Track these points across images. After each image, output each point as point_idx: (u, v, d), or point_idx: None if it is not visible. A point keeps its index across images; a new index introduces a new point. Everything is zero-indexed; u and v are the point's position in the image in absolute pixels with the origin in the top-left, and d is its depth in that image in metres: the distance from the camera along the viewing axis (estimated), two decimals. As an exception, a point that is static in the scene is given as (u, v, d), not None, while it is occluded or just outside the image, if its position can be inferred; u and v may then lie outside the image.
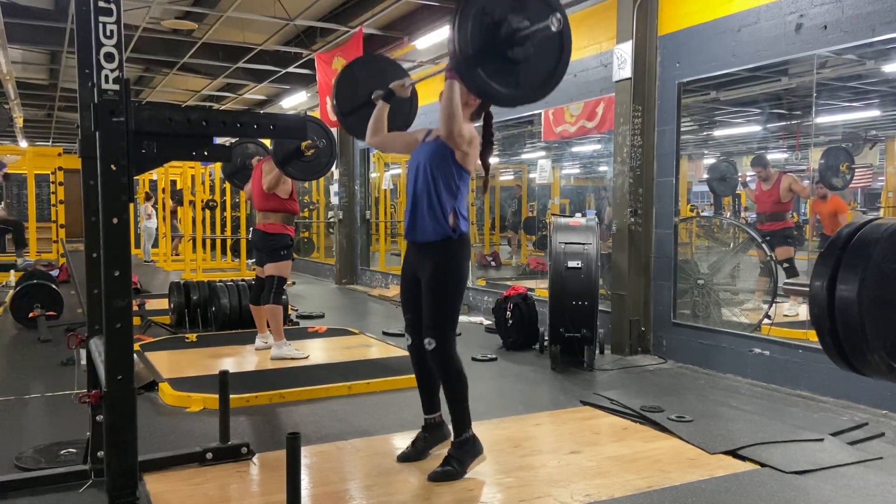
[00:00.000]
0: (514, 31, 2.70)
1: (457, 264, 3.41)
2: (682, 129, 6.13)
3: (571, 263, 5.79)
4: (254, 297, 6.14)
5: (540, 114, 7.75)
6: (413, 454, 3.59)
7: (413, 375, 5.17)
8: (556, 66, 2.90)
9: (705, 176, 9.16)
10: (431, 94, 10.64)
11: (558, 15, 2.65)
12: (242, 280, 7.53)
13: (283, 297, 6.07)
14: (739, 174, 8.47)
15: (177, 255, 15.31)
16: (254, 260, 7.15)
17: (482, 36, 2.69)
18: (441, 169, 3.33)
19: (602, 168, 9.51)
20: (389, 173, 12.15)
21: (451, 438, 3.48)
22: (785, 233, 7.16)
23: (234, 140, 6.76)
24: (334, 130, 6.64)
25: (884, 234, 1.68)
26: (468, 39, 2.66)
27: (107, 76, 2.30)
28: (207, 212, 13.83)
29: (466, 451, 3.42)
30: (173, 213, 15.38)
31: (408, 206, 3.45)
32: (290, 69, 10.81)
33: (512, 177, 14.83)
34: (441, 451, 3.54)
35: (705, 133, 10.49)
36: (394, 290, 10.47)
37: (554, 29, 2.64)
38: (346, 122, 3.90)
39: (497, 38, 2.71)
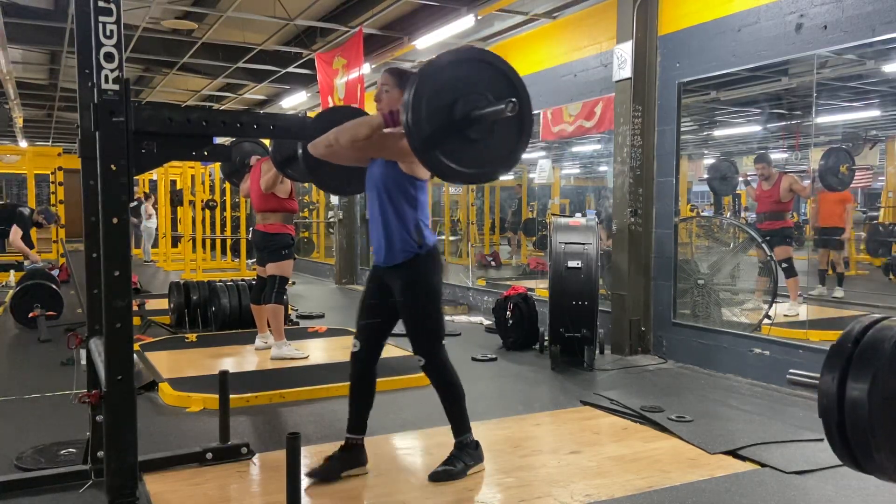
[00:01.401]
0: (469, 112, 2.60)
1: (429, 279, 3.32)
2: (682, 129, 6.13)
3: (571, 263, 5.79)
4: (255, 296, 6.14)
5: (539, 114, 7.75)
6: (323, 472, 3.34)
7: (413, 376, 5.22)
8: (516, 144, 2.79)
9: (705, 176, 9.17)
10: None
11: (513, 101, 2.53)
12: (242, 280, 7.53)
13: (284, 297, 6.06)
14: (740, 174, 8.48)
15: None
16: (254, 260, 7.15)
17: (437, 116, 2.58)
18: (395, 185, 3.23)
19: (602, 168, 9.51)
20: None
21: (364, 464, 3.44)
22: (784, 232, 7.16)
23: (232, 139, 6.75)
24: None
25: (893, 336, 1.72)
26: (423, 119, 2.55)
27: (107, 76, 2.30)
28: (207, 212, 13.83)
29: (468, 452, 3.42)
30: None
31: (371, 229, 3.38)
32: (290, 69, 10.81)
33: (512, 177, 14.82)
34: (352, 475, 3.38)
35: (705, 133, 10.49)
36: (394, 290, 10.45)
37: (509, 113, 2.54)
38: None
39: (452, 118, 2.60)
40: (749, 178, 8.21)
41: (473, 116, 2.60)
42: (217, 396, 3.73)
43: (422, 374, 5.19)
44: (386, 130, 3.02)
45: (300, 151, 3.45)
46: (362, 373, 3.52)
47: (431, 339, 3.36)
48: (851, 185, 7.74)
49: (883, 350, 1.71)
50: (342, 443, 3.47)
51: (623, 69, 6.17)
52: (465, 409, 3.45)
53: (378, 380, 5.08)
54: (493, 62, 2.78)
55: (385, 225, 3.26)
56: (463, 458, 3.40)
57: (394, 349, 6.20)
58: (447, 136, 2.61)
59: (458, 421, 3.43)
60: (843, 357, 1.76)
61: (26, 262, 9.03)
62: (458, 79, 2.65)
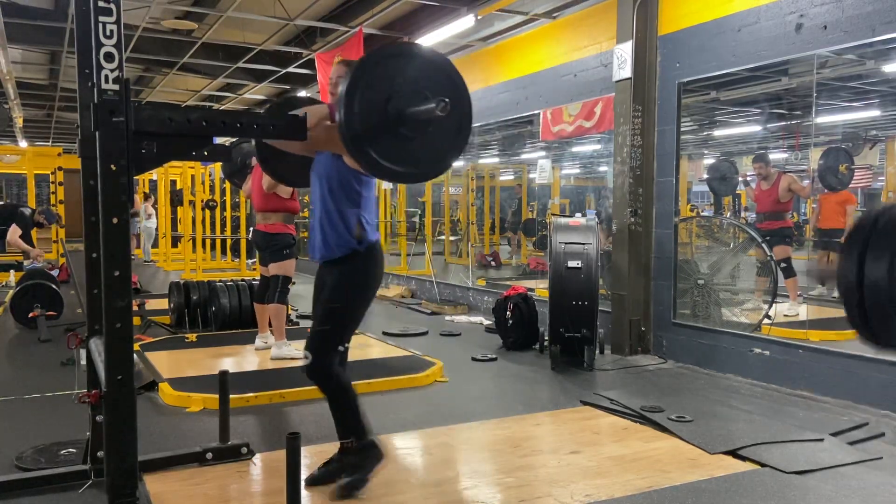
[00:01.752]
0: (402, 110, 2.52)
1: (361, 278, 3.18)
2: (682, 129, 6.13)
3: (571, 263, 5.79)
4: (258, 295, 6.15)
5: (539, 114, 7.75)
6: (323, 476, 3.29)
7: (413, 375, 5.23)
8: (453, 145, 2.69)
9: (705, 176, 9.17)
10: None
11: (445, 101, 2.42)
12: (242, 280, 7.53)
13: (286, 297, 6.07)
14: (739, 174, 8.47)
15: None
16: (254, 260, 7.15)
17: (370, 112, 2.50)
18: (338, 178, 3.11)
19: (602, 168, 9.52)
20: (389, 173, 12.13)
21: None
22: (783, 232, 7.16)
23: (233, 140, 6.74)
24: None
25: None
26: (355, 114, 2.48)
27: (107, 76, 2.30)
28: (207, 212, 13.83)
29: (367, 454, 3.21)
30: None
31: (310, 222, 3.25)
32: (290, 69, 10.81)
33: (512, 177, 14.83)
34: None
35: (705, 133, 10.49)
36: (394, 290, 10.47)
37: (440, 113, 2.43)
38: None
39: (386, 114, 2.52)
40: (748, 179, 8.21)
41: (408, 114, 2.53)
42: (217, 396, 3.73)
43: (422, 374, 5.26)
44: (331, 123, 2.92)
45: (253, 142, 3.42)
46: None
47: (331, 341, 3.13)
48: (851, 185, 7.74)
49: None
50: (339, 447, 3.34)
51: (623, 69, 6.18)
52: (359, 414, 3.18)
53: (378, 380, 5.13)
54: (434, 60, 2.66)
55: (323, 218, 3.14)
56: (364, 465, 3.20)
57: (393, 349, 6.20)
58: (380, 132, 2.54)
59: (353, 427, 3.18)
60: (862, 239, 1.76)
61: (26, 262, 9.02)
62: (396, 75, 2.56)
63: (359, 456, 3.20)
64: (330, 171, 3.13)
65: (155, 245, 15.94)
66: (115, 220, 2.29)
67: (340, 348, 3.17)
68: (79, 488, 3.21)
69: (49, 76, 12.91)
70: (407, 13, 8.31)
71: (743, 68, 5.59)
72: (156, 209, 15.86)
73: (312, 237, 3.23)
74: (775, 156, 9.56)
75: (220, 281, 7.45)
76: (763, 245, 6.75)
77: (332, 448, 3.81)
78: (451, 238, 14.08)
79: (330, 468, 3.30)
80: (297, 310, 8.54)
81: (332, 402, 3.18)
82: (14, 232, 8.72)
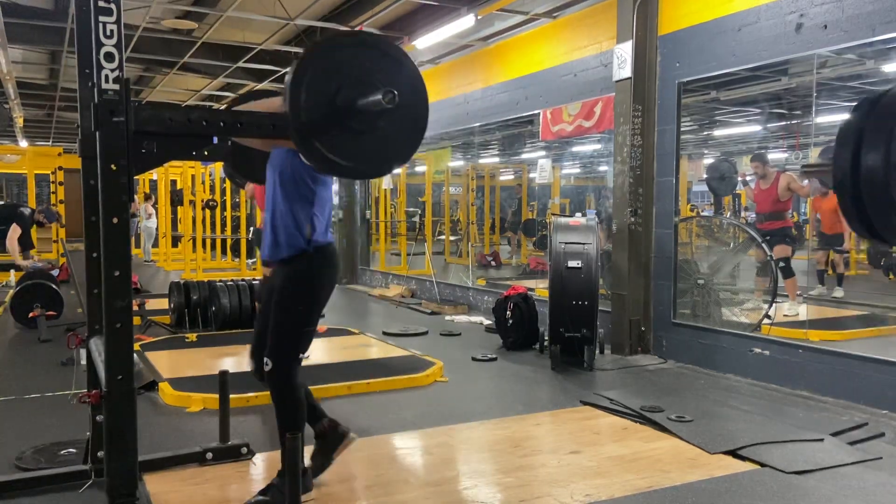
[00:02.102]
0: (352, 102, 2.39)
1: (312, 280, 3.04)
2: (682, 129, 6.13)
3: (571, 263, 5.79)
4: (259, 295, 6.15)
5: (539, 114, 7.76)
6: (319, 468, 3.22)
7: (412, 375, 5.23)
8: (408, 141, 2.57)
9: (705, 175, 9.17)
10: (431, 94, 10.57)
11: (392, 92, 2.30)
12: (242, 280, 7.53)
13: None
14: (739, 174, 8.48)
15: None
16: (254, 259, 7.14)
17: (317, 103, 2.38)
18: (291, 174, 3.00)
19: (602, 168, 9.53)
20: (389, 173, 12.16)
21: (349, 437, 3.25)
22: (783, 232, 7.15)
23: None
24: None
25: None
26: (301, 106, 2.37)
27: (107, 76, 2.30)
28: (207, 212, 13.83)
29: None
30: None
31: (263, 219, 3.11)
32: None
33: (512, 177, 14.83)
34: (343, 455, 3.25)
35: (705, 133, 10.50)
36: (394, 290, 10.47)
37: (388, 105, 2.31)
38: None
39: (335, 106, 2.40)
40: (748, 178, 8.21)
41: (358, 106, 2.41)
42: (217, 396, 3.73)
43: (421, 374, 5.26)
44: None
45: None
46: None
47: (289, 347, 3.03)
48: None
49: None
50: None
51: (623, 69, 6.17)
52: (303, 433, 2.99)
53: (378, 380, 5.13)
54: (388, 51, 2.55)
55: (275, 216, 3.03)
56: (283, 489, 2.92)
57: (393, 349, 6.20)
58: (328, 125, 2.42)
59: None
60: (857, 126, 1.68)
61: (20, 263, 8.99)
62: (346, 65, 2.43)
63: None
64: (283, 167, 3.02)
65: (155, 245, 15.94)
66: (115, 220, 2.29)
67: (301, 356, 3.07)
68: (79, 488, 3.21)
69: (49, 76, 12.91)
70: (407, 13, 8.31)
71: (743, 68, 5.59)
72: (156, 209, 15.86)
73: (263, 235, 3.11)
74: (775, 155, 9.56)
75: (221, 281, 7.45)
76: (763, 245, 6.75)
77: (332, 448, 3.82)
78: (451, 238, 14.09)
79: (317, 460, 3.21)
80: (297, 310, 8.54)
81: (281, 413, 3.05)
82: (14, 232, 8.72)
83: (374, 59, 2.48)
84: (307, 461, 3.18)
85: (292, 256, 3.01)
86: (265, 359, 3.02)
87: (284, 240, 3.01)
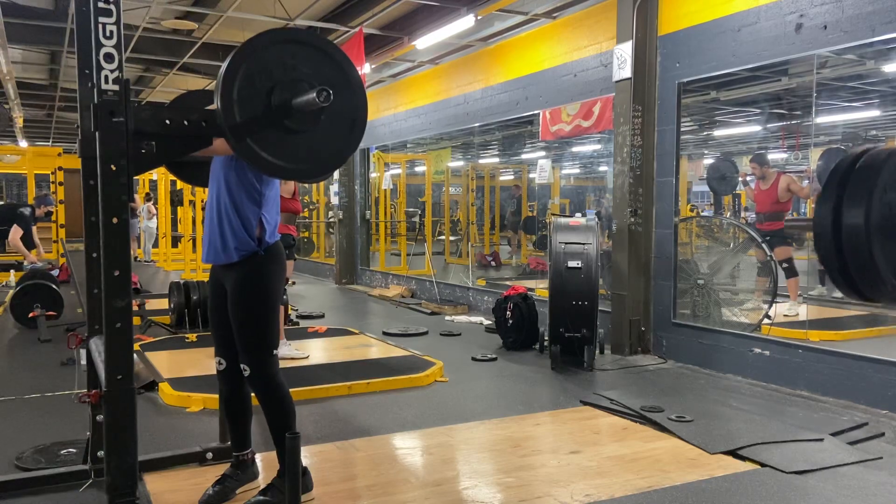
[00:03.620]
0: (287, 100, 2.35)
1: (265, 281, 2.99)
2: (682, 129, 6.13)
3: (571, 263, 5.79)
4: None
5: (539, 114, 7.76)
6: (217, 496, 3.12)
7: (412, 375, 5.23)
8: (346, 141, 2.52)
9: (705, 175, 9.18)
10: (431, 94, 10.58)
11: (327, 90, 2.25)
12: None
13: (284, 296, 6.07)
14: (739, 174, 8.49)
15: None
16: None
17: (250, 101, 2.33)
18: (238, 177, 2.94)
19: (602, 168, 9.53)
20: (389, 173, 12.16)
21: (260, 479, 3.25)
22: (783, 232, 7.16)
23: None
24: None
25: (886, 161, 1.64)
26: (233, 104, 2.30)
27: (106, 76, 2.29)
28: (207, 212, 13.81)
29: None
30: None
31: (205, 224, 3.06)
32: (290, 69, 10.78)
33: (511, 177, 14.83)
34: (247, 491, 3.18)
35: (705, 133, 10.50)
36: (394, 290, 10.47)
37: (322, 104, 2.26)
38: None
39: (269, 105, 2.35)
40: (748, 179, 8.22)
41: (293, 105, 2.37)
42: (217, 396, 3.73)
43: (421, 374, 5.26)
44: None
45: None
46: (232, 390, 3.16)
47: (259, 348, 2.99)
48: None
49: (874, 180, 1.62)
50: (231, 461, 3.26)
51: (623, 69, 6.18)
52: (294, 428, 3.06)
53: (378, 380, 5.13)
54: (324, 48, 2.49)
55: (221, 219, 2.97)
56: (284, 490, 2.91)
57: (393, 349, 6.20)
58: (263, 124, 2.36)
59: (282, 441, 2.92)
60: (838, 182, 1.67)
61: (25, 262, 9.03)
62: (280, 63, 2.38)
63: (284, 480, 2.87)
64: (228, 170, 2.96)
65: (155, 245, 15.94)
66: (115, 220, 2.29)
67: (275, 352, 3.04)
68: (79, 488, 3.22)
69: (49, 76, 12.91)
70: (407, 13, 8.31)
71: (743, 68, 5.59)
72: (156, 209, 15.86)
73: (208, 239, 3.05)
74: (775, 156, 9.56)
75: (220, 281, 7.44)
76: (763, 245, 6.75)
77: (332, 448, 3.83)
78: (451, 238, 14.09)
79: (225, 486, 3.15)
80: (296, 309, 8.55)
81: (270, 413, 3.04)
82: (15, 232, 8.72)
83: (309, 56, 2.44)
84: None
85: (243, 259, 2.96)
86: (242, 366, 3.00)
87: (235, 244, 2.95)
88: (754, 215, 7.92)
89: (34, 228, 9.18)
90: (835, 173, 1.72)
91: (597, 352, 5.92)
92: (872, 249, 1.62)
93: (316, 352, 6.17)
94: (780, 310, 6.43)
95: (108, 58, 2.31)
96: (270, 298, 3.01)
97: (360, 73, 2.49)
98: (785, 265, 6.83)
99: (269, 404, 3.03)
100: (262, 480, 3.37)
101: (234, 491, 3.17)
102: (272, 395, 3.02)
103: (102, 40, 2.32)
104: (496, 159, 14.04)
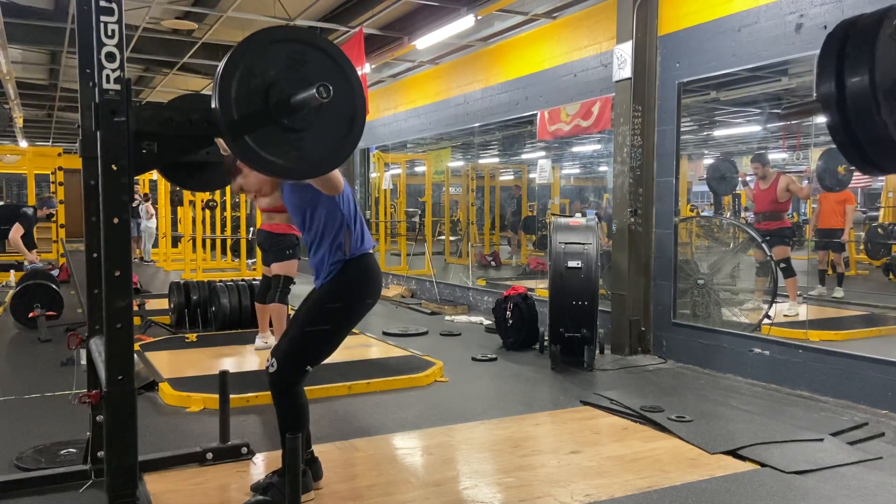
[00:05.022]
0: (285, 98, 2.34)
1: (346, 288, 3.03)
2: (682, 129, 6.13)
3: (571, 263, 5.79)
4: (260, 295, 6.15)
5: (537, 114, 7.76)
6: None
7: (413, 375, 5.23)
8: (345, 139, 2.51)
9: (705, 175, 9.18)
10: (431, 94, 10.57)
11: (326, 86, 2.23)
12: (242, 280, 7.53)
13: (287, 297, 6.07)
14: (739, 174, 8.49)
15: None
16: (254, 260, 7.13)
17: (248, 98, 2.32)
18: (321, 206, 3.02)
19: (602, 168, 9.54)
20: (389, 173, 12.16)
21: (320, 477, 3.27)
22: (782, 232, 7.16)
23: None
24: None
25: (885, 15, 1.55)
26: (231, 101, 2.30)
27: (108, 76, 2.29)
28: (207, 212, 13.82)
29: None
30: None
31: (310, 250, 3.14)
32: (290, 69, 10.78)
33: (511, 177, 14.83)
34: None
35: (705, 133, 10.50)
36: (394, 290, 10.47)
37: (323, 100, 2.25)
38: None
39: (267, 102, 2.35)
40: (747, 179, 8.22)
41: (292, 103, 2.36)
42: (217, 396, 3.73)
43: (422, 374, 5.26)
44: None
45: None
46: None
47: (301, 354, 3.00)
48: (851, 185, 7.74)
49: (875, 35, 1.53)
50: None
51: (623, 69, 6.18)
52: (306, 437, 3.09)
53: (378, 380, 5.13)
54: (322, 46, 2.49)
55: (325, 246, 3.06)
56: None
57: (393, 349, 6.20)
58: (261, 121, 2.36)
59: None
60: (836, 50, 1.59)
61: (25, 262, 9.03)
62: (279, 61, 2.38)
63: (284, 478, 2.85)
64: (310, 201, 3.04)
65: (155, 245, 15.93)
66: (115, 220, 2.29)
67: (308, 368, 3.03)
68: (79, 488, 3.22)
69: (49, 76, 12.91)
70: (407, 13, 8.32)
71: (743, 68, 5.59)
72: (156, 209, 15.86)
73: (315, 263, 3.12)
74: (775, 156, 9.57)
75: (220, 281, 7.45)
76: (763, 245, 6.75)
77: (332, 448, 3.83)
78: (451, 238, 14.09)
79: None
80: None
81: (281, 416, 3.05)
82: (17, 231, 8.72)
83: (307, 54, 2.43)
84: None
85: (335, 269, 3.03)
86: (271, 358, 3.00)
87: (330, 259, 3.03)
88: (753, 215, 7.93)
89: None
90: (832, 38, 1.64)
91: (597, 352, 5.92)
92: (881, 112, 1.54)
93: (316, 352, 6.16)
94: (780, 310, 6.44)
95: (110, 57, 2.31)
96: (342, 308, 3.02)
97: (359, 72, 2.47)
98: (782, 265, 6.84)
99: (280, 406, 3.03)
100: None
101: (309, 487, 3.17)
102: (285, 401, 3.02)
103: (104, 39, 2.32)
104: (496, 159, 14.03)
